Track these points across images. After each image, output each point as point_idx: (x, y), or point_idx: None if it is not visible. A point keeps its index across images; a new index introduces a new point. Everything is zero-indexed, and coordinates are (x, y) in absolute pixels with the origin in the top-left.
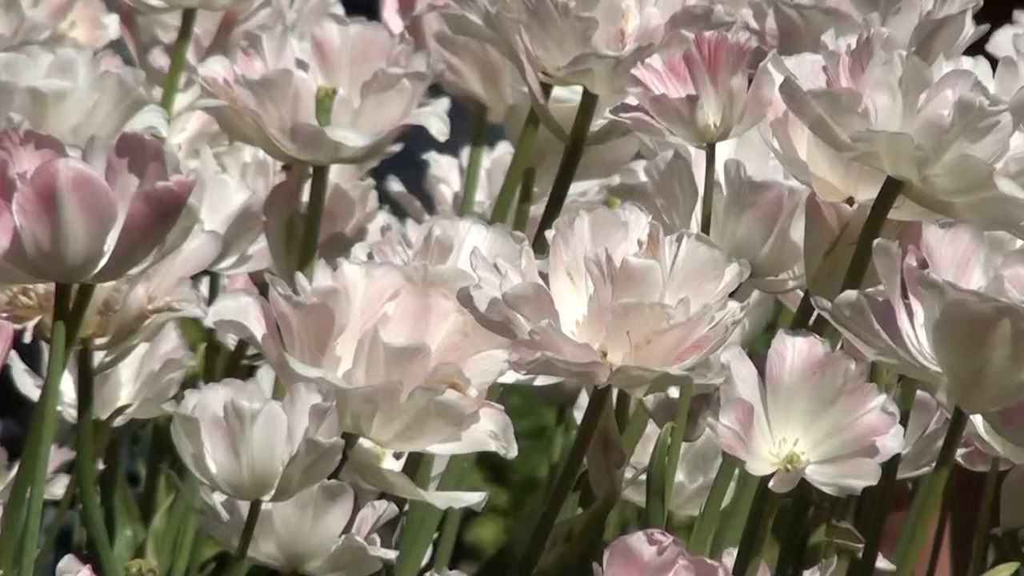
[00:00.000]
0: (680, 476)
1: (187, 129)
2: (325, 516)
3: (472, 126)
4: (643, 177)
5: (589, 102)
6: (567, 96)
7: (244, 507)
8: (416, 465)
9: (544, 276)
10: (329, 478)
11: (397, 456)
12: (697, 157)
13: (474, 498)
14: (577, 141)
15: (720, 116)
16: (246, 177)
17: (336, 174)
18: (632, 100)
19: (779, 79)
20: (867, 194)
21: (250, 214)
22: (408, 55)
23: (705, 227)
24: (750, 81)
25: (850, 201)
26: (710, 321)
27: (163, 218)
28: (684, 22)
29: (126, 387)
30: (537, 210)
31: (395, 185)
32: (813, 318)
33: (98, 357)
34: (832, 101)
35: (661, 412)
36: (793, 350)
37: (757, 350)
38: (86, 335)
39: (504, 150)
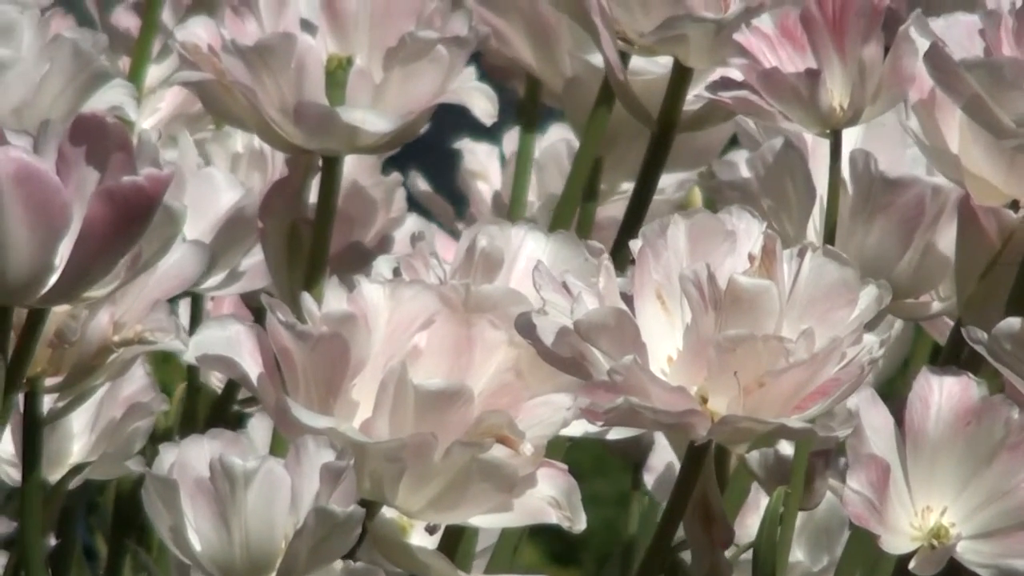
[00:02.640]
0: (798, 554)
1: (161, 110)
2: None
3: (521, 105)
4: (745, 172)
5: (681, 77)
6: (644, 67)
7: None
8: (455, 541)
9: (627, 300)
10: (344, 558)
11: (430, 530)
12: (815, 147)
13: None
14: (667, 126)
15: (848, 95)
16: (237, 171)
17: (352, 167)
18: (734, 74)
19: (924, 46)
20: None
21: (244, 218)
22: (444, 14)
23: (830, 237)
24: (886, 50)
25: (1015, 206)
26: (840, 359)
27: (130, 223)
28: None
29: (79, 439)
30: (604, 212)
31: (420, 183)
32: (965, 353)
33: (49, 402)
34: (992, 74)
35: (769, 473)
36: (940, 394)
37: (893, 393)
38: (34, 373)
39: (557, 135)
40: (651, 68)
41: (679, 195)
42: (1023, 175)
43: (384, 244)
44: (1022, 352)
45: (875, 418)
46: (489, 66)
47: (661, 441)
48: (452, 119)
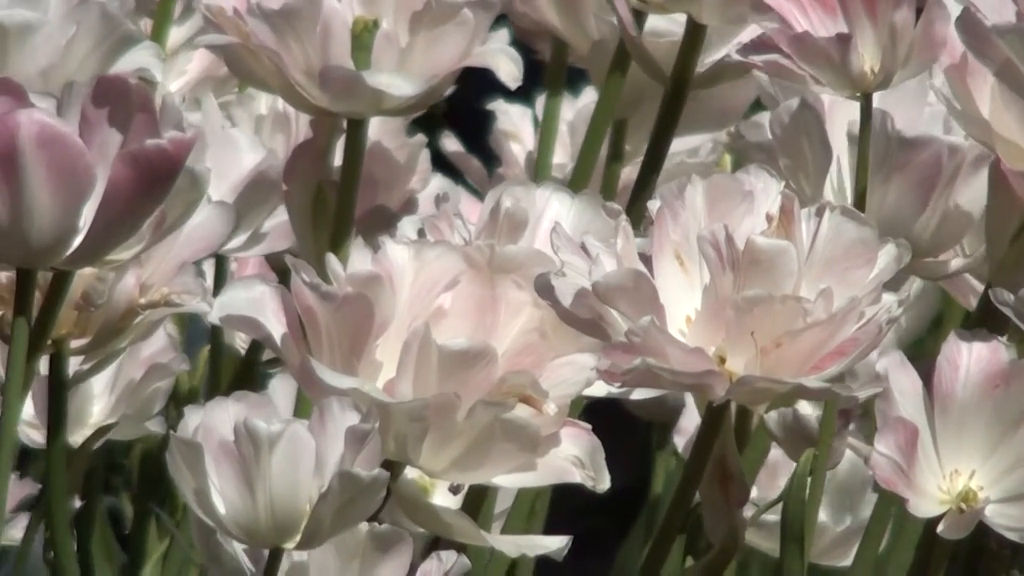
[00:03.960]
0: (822, 516)
1: (188, 72)
2: (376, 571)
3: (548, 67)
4: (771, 133)
5: (695, 34)
6: (666, 28)
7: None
8: (479, 502)
9: (646, 260)
10: (369, 520)
11: (454, 491)
12: (831, 107)
13: (555, 543)
14: (680, 84)
15: (880, 59)
16: (261, 133)
17: (377, 129)
18: (764, 36)
19: (956, 11)
20: None
21: (266, 180)
22: None
23: (860, 201)
24: (918, 14)
25: None
26: (859, 318)
27: (153, 186)
28: None
29: (99, 400)
30: (630, 173)
31: (450, 143)
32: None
33: (74, 364)
34: None
35: (788, 433)
36: (969, 357)
37: (922, 353)
38: (59, 335)
39: (590, 98)
40: (674, 29)
41: (712, 158)
42: None
43: (409, 206)
44: None
45: (903, 381)
46: (518, 29)
47: (691, 403)
48: (485, 81)
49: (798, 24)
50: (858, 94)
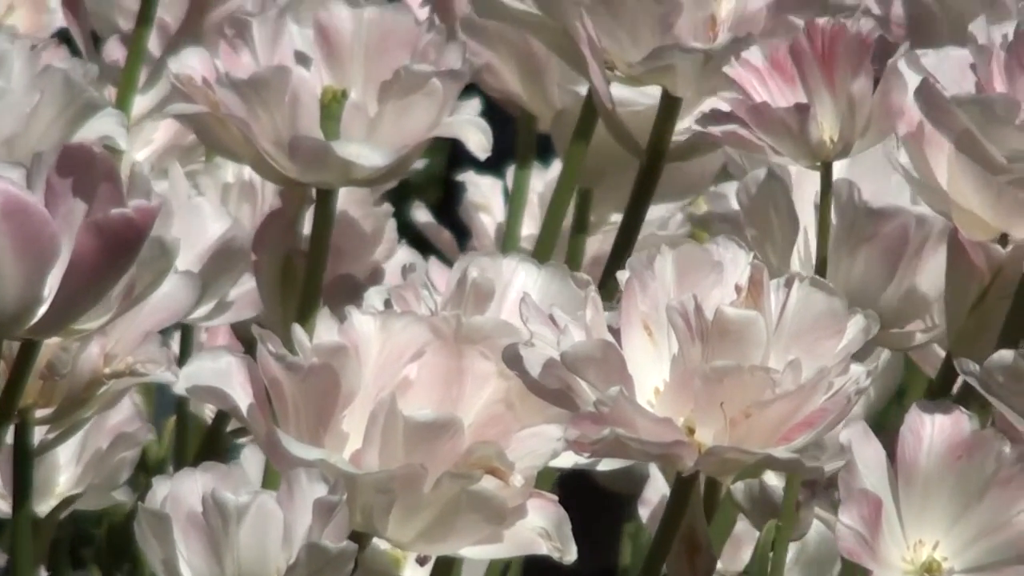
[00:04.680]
0: None
1: (155, 141)
2: None
3: (518, 138)
4: (736, 204)
5: (670, 107)
6: (632, 98)
7: None
8: (445, 572)
9: (614, 331)
10: None
11: (421, 561)
12: (799, 177)
13: None
14: (655, 157)
15: (838, 128)
16: (228, 202)
17: (345, 199)
18: (723, 105)
19: (914, 81)
20: None
21: (232, 249)
22: (439, 47)
23: (821, 269)
24: (875, 83)
25: (1004, 240)
26: (828, 389)
27: (119, 255)
28: (792, 5)
29: (65, 469)
30: (598, 244)
31: (421, 214)
32: (957, 386)
33: (39, 433)
34: (984, 110)
35: (755, 505)
36: (932, 428)
37: (883, 425)
38: (25, 405)
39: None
40: (639, 99)
41: (682, 231)
42: (1011, 209)
43: (375, 276)
44: (1015, 385)
45: (867, 452)
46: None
47: (656, 474)
48: (454, 152)
49: (757, 94)
50: (817, 164)
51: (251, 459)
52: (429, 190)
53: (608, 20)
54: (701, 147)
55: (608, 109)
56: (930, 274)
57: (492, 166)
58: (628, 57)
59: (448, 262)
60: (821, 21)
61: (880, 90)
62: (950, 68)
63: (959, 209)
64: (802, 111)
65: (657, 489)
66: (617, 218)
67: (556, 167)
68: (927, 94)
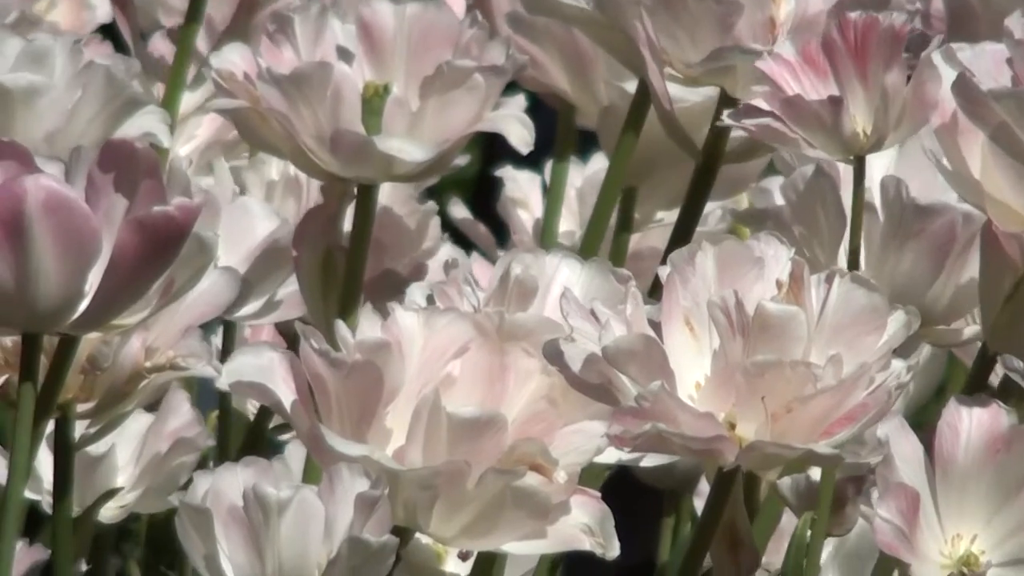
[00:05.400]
0: None
1: (196, 137)
2: None
3: (558, 133)
4: (780, 199)
5: (728, 107)
6: (680, 95)
7: None
8: (488, 568)
9: (655, 326)
10: None
11: (463, 556)
12: (847, 174)
13: None
14: (712, 158)
15: (871, 121)
16: (273, 198)
17: (387, 195)
18: (759, 102)
19: (949, 75)
20: None
21: (280, 248)
22: (482, 42)
23: (854, 262)
24: (909, 77)
25: None
26: (868, 384)
27: (160, 252)
28: (852, 7)
29: (123, 472)
30: (639, 241)
31: (458, 210)
32: (1000, 380)
33: (81, 428)
34: (1020, 104)
35: (800, 499)
36: (970, 422)
37: (924, 421)
38: (66, 400)
39: (600, 164)
40: (688, 96)
41: (721, 226)
42: None
43: (418, 272)
44: None
45: (904, 446)
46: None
47: None
48: (494, 148)
49: (789, 88)
50: (850, 157)
51: (294, 455)
52: (461, 188)
53: (667, 20)
54: (758, 149)
55: (667, 109)
56: (977, 271)
57: (530, 161)
58: (687, 58)
59: (488, 258)
60: (853, 15)
61: (914, 82)
62: (986, 62)
63: (993, 201)
64: (835, 104)
65: None
66: (662, 216)
67: (595, 163)
68: (964, 88)
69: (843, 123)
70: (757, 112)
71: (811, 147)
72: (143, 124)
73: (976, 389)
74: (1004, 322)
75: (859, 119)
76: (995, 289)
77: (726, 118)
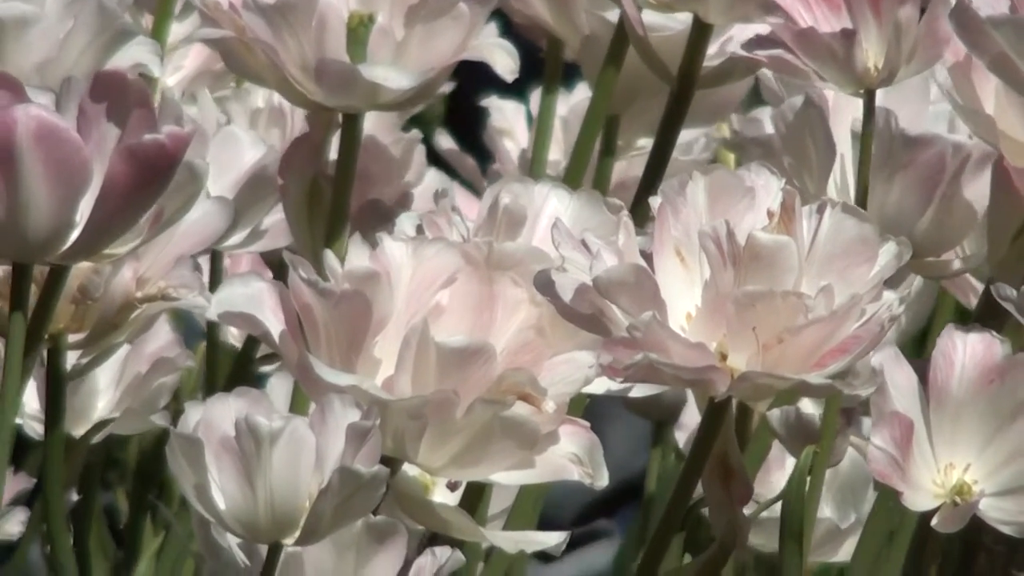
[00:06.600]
0: (825, 511)
1: (184, 67)
2: (371, 563)
3: (545, 63)
4: (771, 128)
5: (701, 34)
6: (662, 23)
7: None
8: (476, 498)
9: (646, 256)
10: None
11: (451, 487)
12: (836, 104)
13: (552, 539)
14: (686, 83)
15: (884, 56)
16: (257, 127)
17: (371, 125)
18: (758, 30)
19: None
20: None
21: (266, 177)
22: None
23: (862, 198)
24: (922, 11)
25: None
26: (860, 315)
27: (151, 181)
28: None
29: (103, 395)
30: (629, 171)
31: (444, 140)
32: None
33: (72, 358)
34: (1018, 31)
35: (790, 431)
36: (964, 351)
37: (914, 352)
38: (57, 330)
39: (583, 94)
40: (668, 24)
41: (705, 155)
42: None
43: (404, 201)
44: None
45: (899, 376)
46: (520, 24)
47: (692, 399)
48: (479, 77)
49: (802, 20)
50: (861, 91)
51: (278, 387)
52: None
53: None
54: (733, 73)
55: (640, 35)
56: (966, 202)
57: (512, 90)
58: None
59: (471, 188)
60: None
61: (927, 17)
62: None
63: (1005, 136)
64: (848, 37)
65: (694, 414)
66: (644, 143)
67: (578, 92)
68: (961, 15)
69: (855, 57)
70: (770, 43)
71: (822, 79)
72: (134, 55)
73: (981, 323)
74: (1012, 258)
75: (871, 53)
76: (1004, 225)
77: (739, 48)
